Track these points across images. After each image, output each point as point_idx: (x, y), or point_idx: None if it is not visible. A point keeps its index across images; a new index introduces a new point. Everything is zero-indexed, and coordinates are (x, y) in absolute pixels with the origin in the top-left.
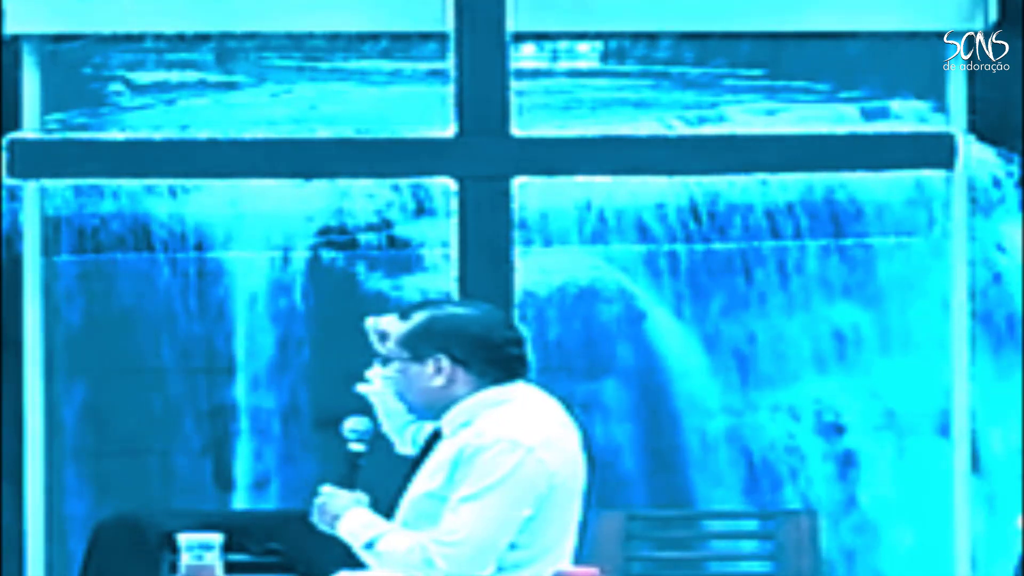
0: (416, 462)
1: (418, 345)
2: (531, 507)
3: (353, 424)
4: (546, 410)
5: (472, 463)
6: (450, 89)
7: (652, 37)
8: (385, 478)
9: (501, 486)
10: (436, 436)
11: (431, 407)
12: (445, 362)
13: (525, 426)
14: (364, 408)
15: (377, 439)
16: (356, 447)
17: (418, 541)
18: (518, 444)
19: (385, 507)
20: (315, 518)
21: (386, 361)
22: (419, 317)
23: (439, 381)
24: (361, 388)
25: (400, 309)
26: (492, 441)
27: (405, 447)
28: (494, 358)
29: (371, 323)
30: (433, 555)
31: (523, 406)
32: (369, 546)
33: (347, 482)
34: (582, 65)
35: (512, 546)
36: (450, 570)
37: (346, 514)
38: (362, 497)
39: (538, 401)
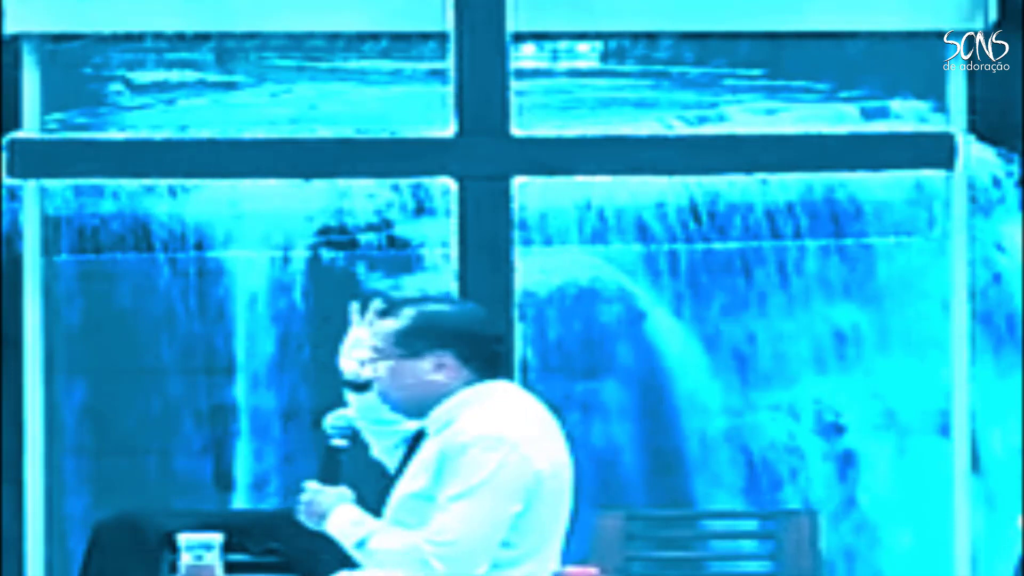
0: (403, 462)
1: (414, 342)
2: (520, 503)
3: (334, 420)
4: (526, 407)
5: (457, 461)
6: (450, 89)
7: (652, 37)
8: (366, 474)
9: (489, 483)
10: (419, 436)
11: (419, 404)
12: (448, 358)
13: (507, 422)
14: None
15: (358, 435)
16: (338, 443)
17: (413, 541)
18: (502, 440)
19: (369, 504)
20: (302, 516)
21: (373, 360)
22: (409, 313)
23: (439, 377)
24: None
25: (379, 308)
26: (475, 439)
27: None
28: (486, 354)
29: (371, 325)
30: (428, 555)
31: (504, 403)
32: (360, 544)
33: (331, 478)
34: (582, 65)
35: (504, 544)
36: (445, 570)
37: (334, 511)
38: (347, 493)
39: (518, 398)
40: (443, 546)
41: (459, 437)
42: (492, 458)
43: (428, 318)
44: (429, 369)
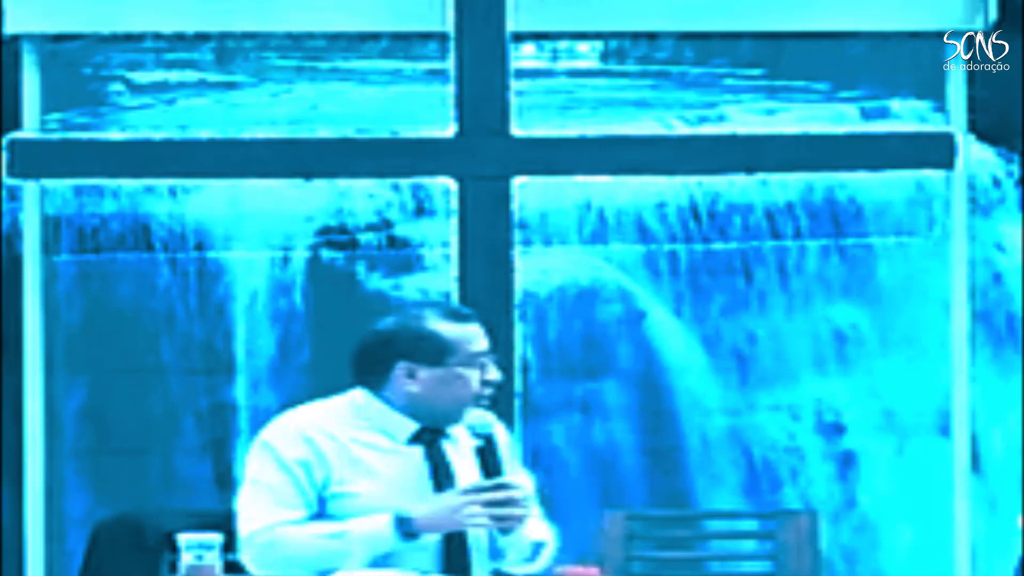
0: (444, 468)
1: None
2: None
3: (472, 420)
4: None
5: (510, 453)
6: (450, 89)
7: (652, 37)
8: None
9: None
10: (434, 442)
11: None
12: None
13: None
14: None
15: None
16: (475, 443)
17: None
18: None
19: None
20: (511, 518)
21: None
22: None
23: None
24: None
25: (461, 312)
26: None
27: None
28: None
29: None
30: None
31: None
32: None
33: (496, 475)
34: (582, 65)
35: None
36: None
37: None
38: None
39: None
40: None
41: (497, 428)
42: None
43: None
44: None
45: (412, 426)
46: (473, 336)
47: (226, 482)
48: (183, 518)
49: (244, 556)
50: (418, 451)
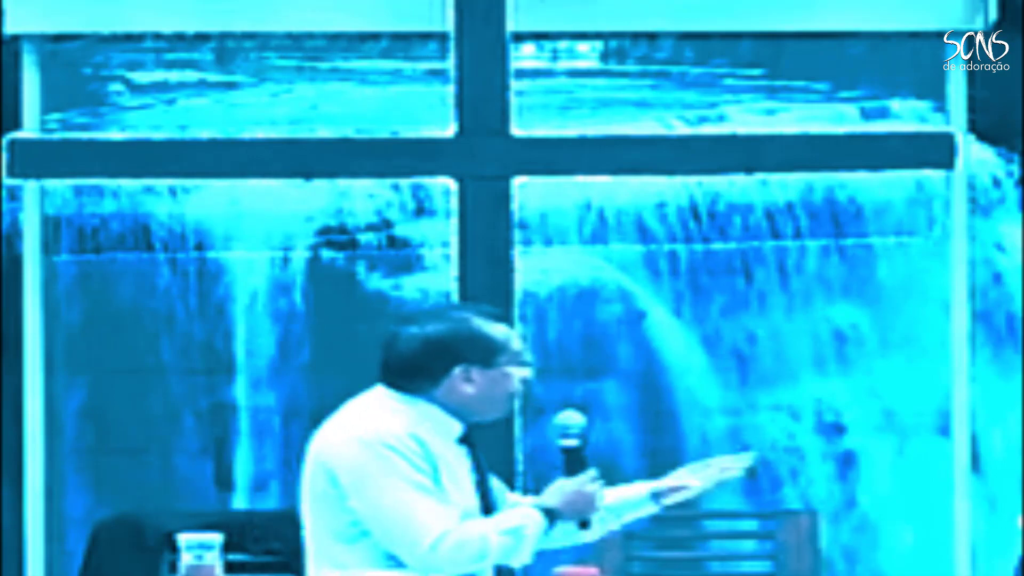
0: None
1: None
2: None
3: (564, 419)
4: None
5: None
6: (450, 89)
7: (652, 37)
8: None
9: None
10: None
11: None
12: None
13: None
14: None
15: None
16: (568, 443)
17: None
18: None
19: None
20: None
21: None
22: None
23: None
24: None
25: (493, 312)
26: None
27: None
28: None
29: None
30: None
31: None
32: None
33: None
34: (582, 65)
35: None
36: None
37: None
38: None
39: None
40: None
41: None
42: None
43: None
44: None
45: (459, 426)
46: (513, 335)
47: (226, 482)
48: (183, 518)
49: (429, 557)
50: (463, 451)
